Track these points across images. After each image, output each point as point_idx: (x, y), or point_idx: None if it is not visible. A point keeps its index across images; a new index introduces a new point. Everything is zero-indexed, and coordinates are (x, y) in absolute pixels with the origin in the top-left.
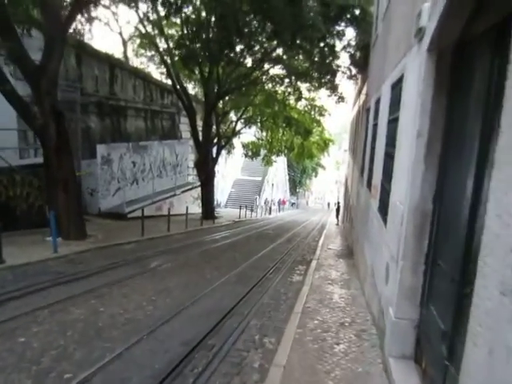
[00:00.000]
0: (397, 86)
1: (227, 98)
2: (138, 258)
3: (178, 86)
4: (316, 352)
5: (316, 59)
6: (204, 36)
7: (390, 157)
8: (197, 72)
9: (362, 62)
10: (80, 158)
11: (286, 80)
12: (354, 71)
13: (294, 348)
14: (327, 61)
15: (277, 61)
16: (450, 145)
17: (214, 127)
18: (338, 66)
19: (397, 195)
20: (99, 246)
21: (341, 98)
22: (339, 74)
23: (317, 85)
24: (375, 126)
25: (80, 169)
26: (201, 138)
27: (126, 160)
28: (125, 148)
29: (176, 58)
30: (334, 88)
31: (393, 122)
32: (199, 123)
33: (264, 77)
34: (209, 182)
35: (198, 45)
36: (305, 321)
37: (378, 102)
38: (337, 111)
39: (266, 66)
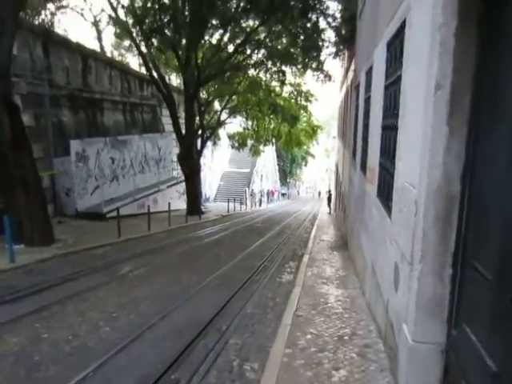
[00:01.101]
0: (395, 41)
1: (209, 85)
2: (108, 264)
3: (156, 74)
4: (309, 383)
5: (300, 37)
6: (176, 14)
7: (390, 129)
8: (174, 58)
9: (348, 37)
10: (52, 155)
11: (270, 63)
12: (340, 47)
13: (282, 378)
14: (311, 36)
15: (259, 44)
16: (484, 99)
17: (198, 118)
18: (323, 41)
19: (405, 176)
20: (66, 251)
21: (327, 77)
22: (325, 52)
23: (301, 67)
24: (367, 100)
25: (53, 167)
26: (183, 129)
27: (104, 156)
28: (102, 143)
29: (151, 42)
30: (319, 66)
31: (392, 86)
32: (182, 115)
33: (246, 61)
34: (194, 176)
35: (170, 24)
36: (295, 335)
37: (369, 71)
38: (324, 97)
39: (249, 51)
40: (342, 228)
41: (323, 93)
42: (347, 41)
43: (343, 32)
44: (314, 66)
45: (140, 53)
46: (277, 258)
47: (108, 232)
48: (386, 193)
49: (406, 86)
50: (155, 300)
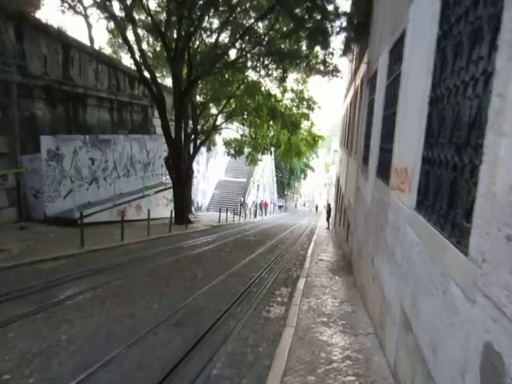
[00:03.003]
0: None
1: (205, 87)
2: (48, 285)
3: (144, 68)
4: None
5: (306, 21)
6: None
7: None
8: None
9: (361, 23)
10: (18, 151)
11: (269, 60)
12: (350, 34)
13: None
14: (318, 21)
15: (258, 39)
16: None
17: (191, 122)
18: (332, 22)
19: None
20: (3, 266)
21: (335, 71)
22: (333, 40)
23: (305, 64)
24: (393, 83)
25: (20, 165)
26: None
27: (83, 156)
28: (80, 141)
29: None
30: (326, 58)
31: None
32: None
33: (244, 58)
34: (183, 182)
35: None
36: None
37: (397, 44)
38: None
39: (248, 47)
40: (343, 246)
41: (324, 107)
42: (359, 29)
43: (355, 20)
44: (319, 59)
45: (125, 40)
46: (266, 281)
47: (73, 241)
48: (444, 204)
49: None
50: (83, 347)
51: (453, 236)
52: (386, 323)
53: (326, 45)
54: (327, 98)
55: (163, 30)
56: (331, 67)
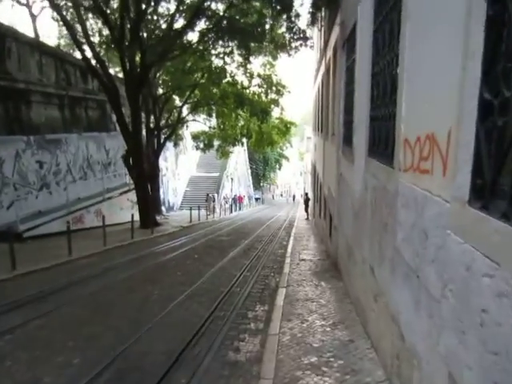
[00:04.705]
0: None
1: (165, 75)
2: None
3: (92, 56)
4: None
5: None
6: None
7: None
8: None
9: None
10: None
11: (229, 41)
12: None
13: None
14: None
15: (216, 19)
16: None
17: (153, 117)
18: None
19: None
20: None
21: (303, 39)
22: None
23: (269, 41)
24: (385, 20)
25: None
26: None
27: (27, 159)
28: (22, 143)
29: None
30: (292, 26)
31: None
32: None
33: (204, 43)
34: (145, 181)
35: None
36: None
37: None
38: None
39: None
40: (326, 241)
41: (294, 95)
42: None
43: None
44: (285, 29)
45: (62, 19)
46: (238, 297)
47: (4, 262)
48: None
49: None
50: None
51: None
52: (413, 380)
53: (289, 5)
54: (297, 86)
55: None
56: (298, 34)
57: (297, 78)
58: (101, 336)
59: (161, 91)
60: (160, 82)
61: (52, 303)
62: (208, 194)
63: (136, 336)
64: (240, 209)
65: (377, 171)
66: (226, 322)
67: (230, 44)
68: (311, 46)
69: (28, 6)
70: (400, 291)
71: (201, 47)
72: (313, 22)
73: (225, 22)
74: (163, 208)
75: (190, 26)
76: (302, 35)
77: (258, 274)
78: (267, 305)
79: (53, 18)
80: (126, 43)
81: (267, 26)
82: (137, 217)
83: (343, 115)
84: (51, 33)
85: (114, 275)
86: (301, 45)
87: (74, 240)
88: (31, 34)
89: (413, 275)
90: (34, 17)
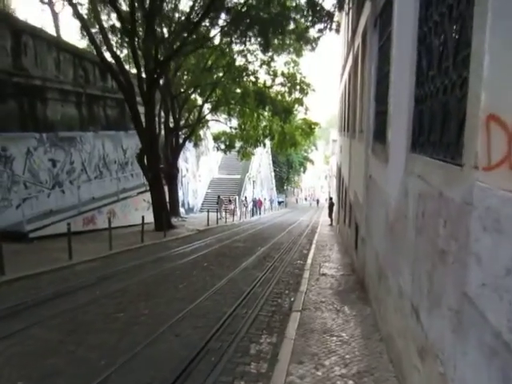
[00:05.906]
0: None
1: (183, 74)
2: None
3: (107, 50)
4: None
5: None
6: None
7: None
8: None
9: None
10: None
11: (251, 34)
12: None
13: None
14: None
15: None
16: None
17: (172, 114)
18: None
19: None
20: None
21: (328, 16)
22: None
23: (291, 34)
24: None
25: None
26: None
27: (39, 157)
28: (34, 140)
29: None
30: (319, 14)
31: None
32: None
33: (223, 36)
34: (163, 182)
35: None
36: None
37: None
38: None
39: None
40: (351, 253)
41: (320, 97)
42: None
43: None
44: (309, 16)
45: (77, 14)
46: (242, 323)
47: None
48: None
49: None
50: None
51: None
52: None
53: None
54: (322, 89)
55: None
56: (322, 13)
57: (321, 81)
58: (61, 374)
59: (181, 90)
60: (181, 80)
61: (23, 321)
62: (219, 197)
63: (105, 374)
64: (259, 213)
65: (426, 171)
66: (221, 358)
67: (249, 33)
68: (337, 29)
69: (50, 3)
70: (475, 368)
71: (220, 41)
72: (340, 5)
73: (244, 10)
74: (182, 210)
75: (206, 16)
76: (326, 16)
77: (270, 291)
78: (275, 335)
79: (73, 15)
80: (140, 38)
81: (290, 15)
82: (152, 218)
83: (374, 106)
84: (73, 30)
85: (106, 286)
86: (325, 27)
87: (82, 242)
88: (53, 33)
89: (505, 353)
90: (55, 14)
